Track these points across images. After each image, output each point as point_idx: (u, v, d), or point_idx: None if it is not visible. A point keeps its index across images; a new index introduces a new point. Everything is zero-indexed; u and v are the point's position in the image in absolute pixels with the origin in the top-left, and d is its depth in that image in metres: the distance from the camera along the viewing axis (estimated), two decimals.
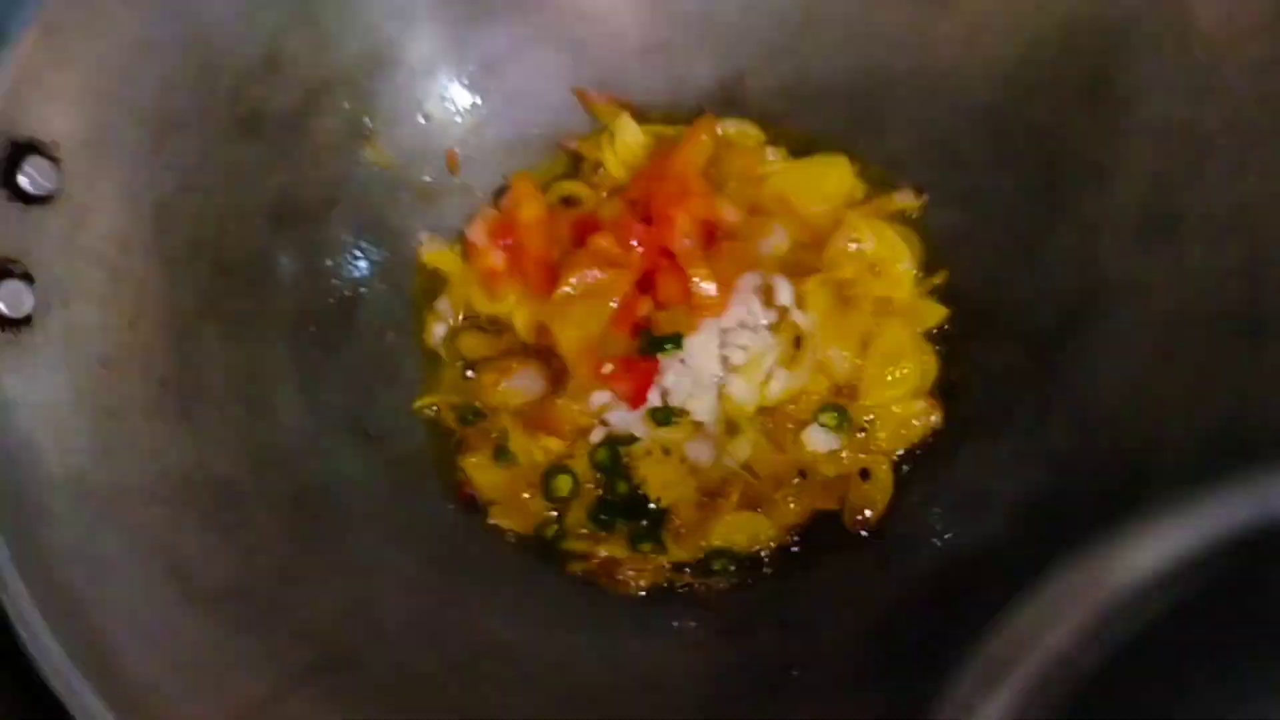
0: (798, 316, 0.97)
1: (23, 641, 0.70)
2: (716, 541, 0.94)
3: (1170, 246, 0.87)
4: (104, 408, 0.84)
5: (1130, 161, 0.91)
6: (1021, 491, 0.89)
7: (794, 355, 0.97)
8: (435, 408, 1.02)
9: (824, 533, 0.95)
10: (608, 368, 0.94)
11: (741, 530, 0.94)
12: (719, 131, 1.05)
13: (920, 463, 0.97)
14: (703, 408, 0.96)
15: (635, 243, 0.96)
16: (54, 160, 0.85)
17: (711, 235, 1.00)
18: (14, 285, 0.80)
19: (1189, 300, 0.85)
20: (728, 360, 0.96)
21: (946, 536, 0.90)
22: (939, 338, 1.00)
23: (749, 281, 0.99)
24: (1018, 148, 0.99)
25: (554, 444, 0.98)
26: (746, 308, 0.98)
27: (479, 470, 0.98)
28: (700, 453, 0.96)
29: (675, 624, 0.92)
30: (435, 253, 1.06)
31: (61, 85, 0.86)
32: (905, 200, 1.04)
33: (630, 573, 0.94)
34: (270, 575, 0.85)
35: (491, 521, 0.98)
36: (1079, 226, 0.94)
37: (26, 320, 0.80)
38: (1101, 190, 0.93)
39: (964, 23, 1.00)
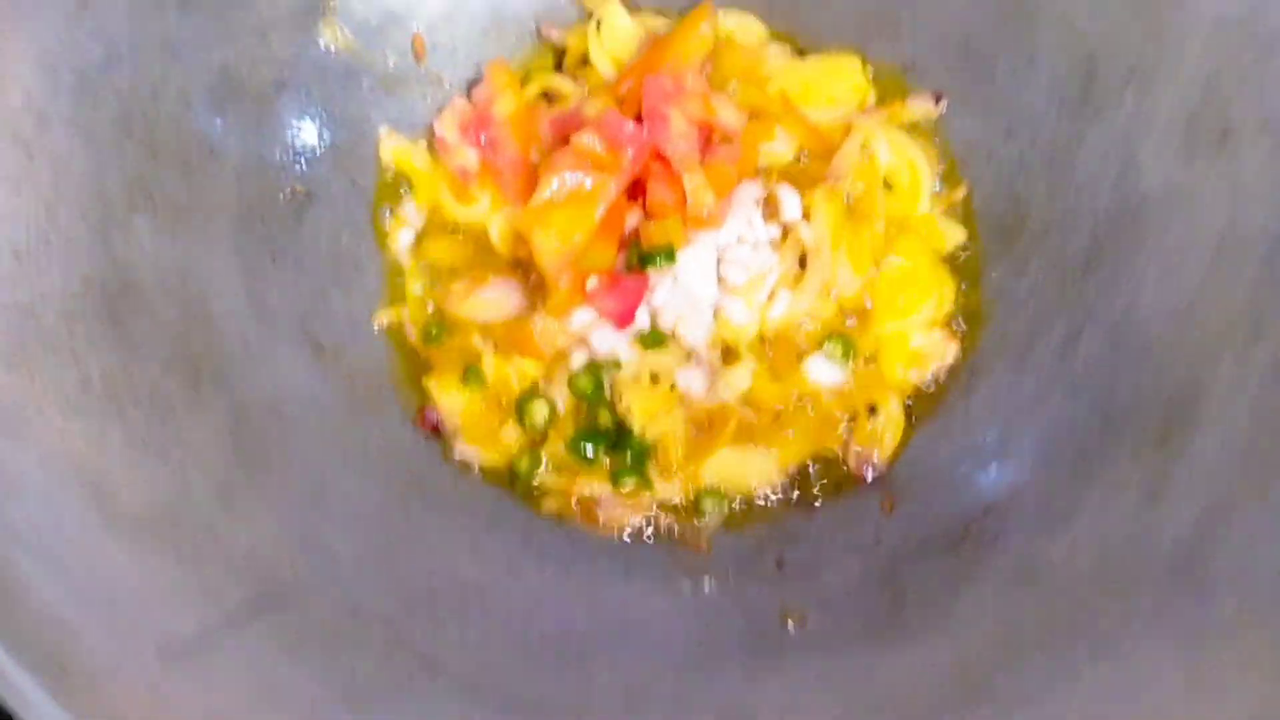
0: (804, 231, 0.87)
1: None
2: (708, 479, 0.86)
3: (1222, 157, 0.79)
4: (17, 305, 0.73)
5: (1177, 63, 0.82)
6: (1046, 430, 0.81)
7: (798, 275, 0.88)
8: (398, 321, 0.91)
9: (826, 473, 0.87)
10: (592, 282, 0.84)
11: (736, 468, 0.85)
12: (718, 24, 0.94)
13: (935, 399, 0.88)
14: (696, 331, 0.86)
15: (624, 143, 0.86)
16: None
17: (708, 139, 0.90)
18: None
19: (1243, 216, 0.77)
20: (725, 279, 0.87)
21: (962, 479, 0.82)
22: (957, 261, 0.91)
23: (749, 191, 0.89)
24: (1049, 47, 0.89)
25: (530, 366, 0.88)
26: (746, 220, 0.88)
27: (445, 393, 0.88)
28: (693, 382, 0.86)
29: (660, 568, 0.83)
30: (398, 149, 0.94)
31: None
32: (922, 107, 0.94)
33: (612, 512, 0.85)
34: (205, 499, 0.75)
35: (457, 451, 0.88)
36: (1116, 136, 0.85)
37: None
38: (1144, 95, 0.84)
39: None
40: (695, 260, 0.86)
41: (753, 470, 0.86)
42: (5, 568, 0.65)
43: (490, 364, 0.88)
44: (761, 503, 0.87)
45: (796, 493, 0.87)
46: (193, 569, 0.71)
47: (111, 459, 0.73)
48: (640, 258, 0.85)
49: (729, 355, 0.88)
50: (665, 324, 0.86)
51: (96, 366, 0.75)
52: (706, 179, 0.86)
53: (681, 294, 0.86)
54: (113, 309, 0.78)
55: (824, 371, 0.87)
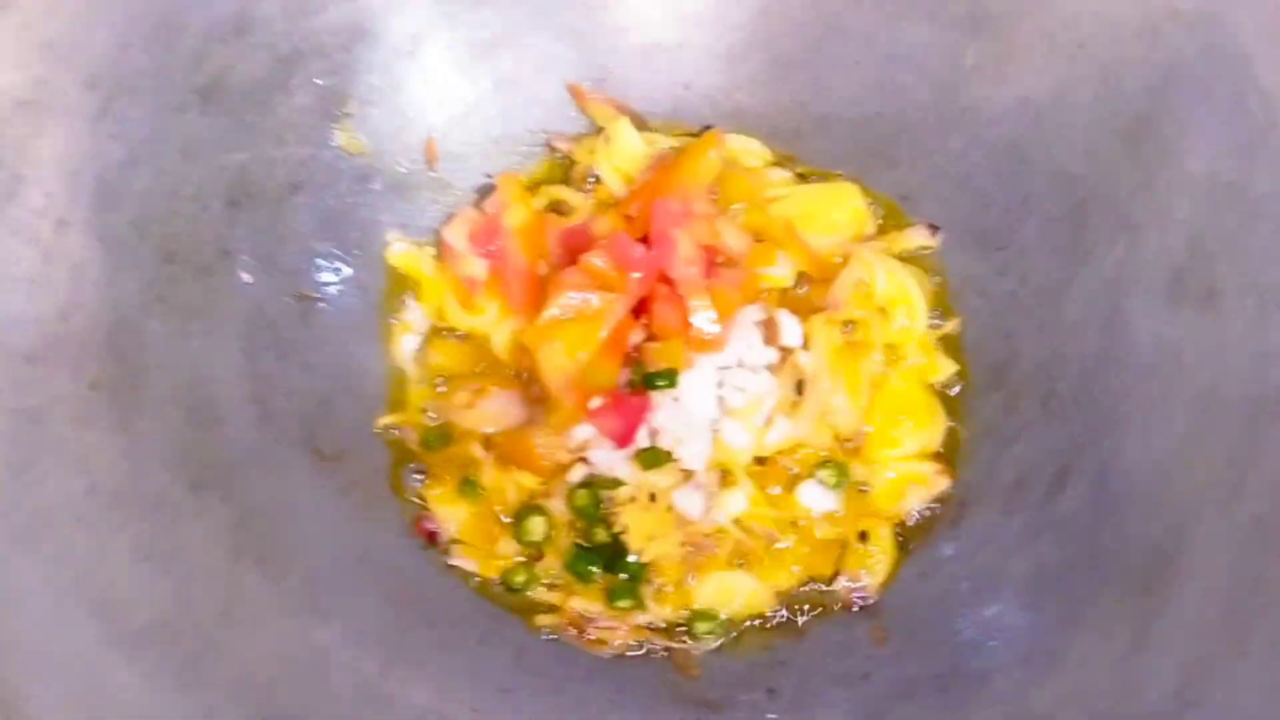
0: (802, 358, 0.90)
1: None
2: (701, 603, 0.87)
3: (1207, 316, 0.82)
4: (26, 412, 0.73)
5: (1167, 217, 0.86)
6: (1034, 570, 0.83)
7: (795, 401, 0.90)
8: (398, 429, 0.92)
9: (818, 599, 0.88)
10: (595, 402, 0.86)
11: (729, 592, 0.87)
12: (725, 147, 0.97)
13: (925, 530, 0.90)
14: (695, 453, 0.87)
15: (632, 266, 0.87)
16: None
17: (712, 261, 0.92)
18: None
19: (1226, 376, 0.80)
20: (724, 401, 0.88)
21: (952, 615, 0.84)
22: (948, 394, 0.94)
23: (750, 315, 0.91)
24: (1043, 191, 0.93)
25: (528, 480, 0.89)
26: (746, 344, 0.90)
27: (443, 503, 0.89)
28: (690, 503, 0.87)
29: (651, 692, 0.83)
30: (406, 254, 0.95)
31: (0, 34, 0.76)
32: (919, 238, 0.97)
33: (604, 631, 0.85)
34: (205, 613, 0.75)
35: (453, 563, 0.89)
36: (1105, 282, 0.88)
37: None
38: (1133, 246, 0.87)
39: (996, 51, 0.94)
40: (696, 382, 0.88)
41: (745, 594, 0.87)
42: (6, 680, 0.65)
43: (489, 475, 0.89)
44: (753, 625, 0.88)
45: (787, 617, 0.88)
46: (193, 688, 0.71)
47: (115, 570, 0.73)
48: (644, 379, 0.87)
49: (725, 477, 0.89)
50: (665, 443, 0.88)
51: (104, 474, 0.76)
52: (711, 303, 0.88)
53: (682, 415, 0.88)
54: (121, 414, 0.78)
55: (817, 497, 0.89)
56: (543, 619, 0.87)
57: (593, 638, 0.85)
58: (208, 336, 0.85)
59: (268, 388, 0.87)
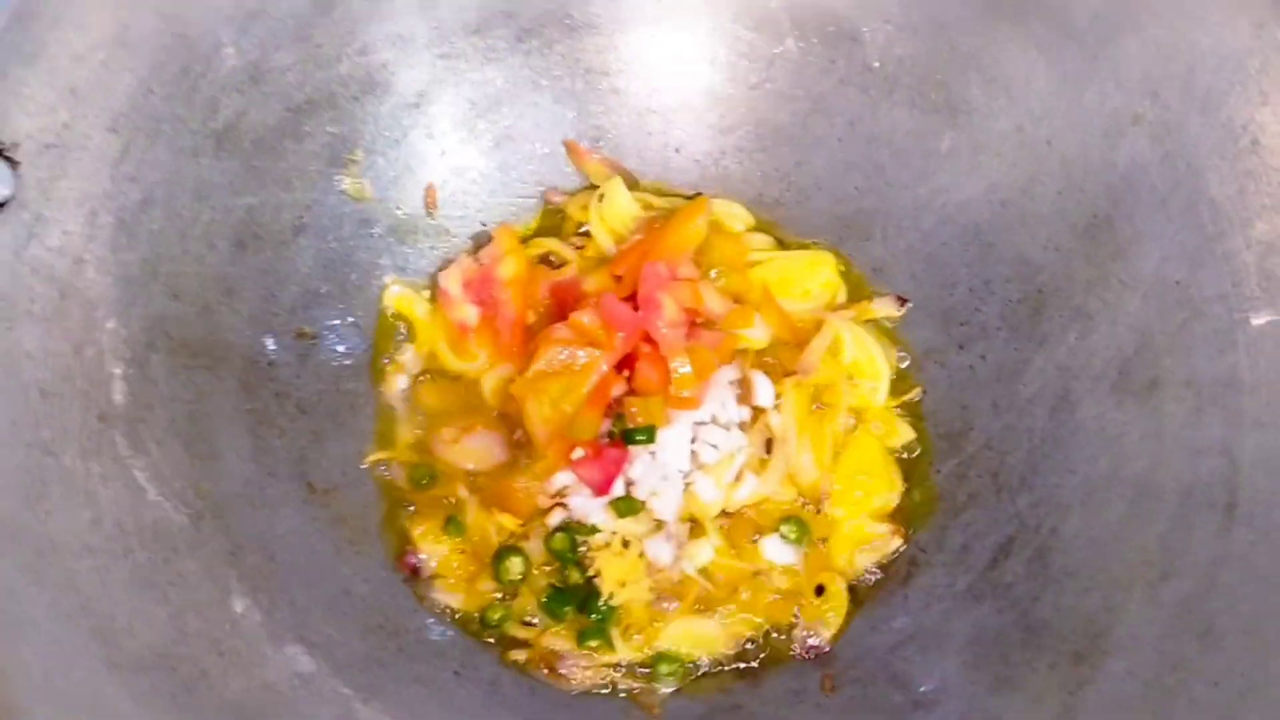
0: (773, 419, 0.95)
1: None
2: (665, 646, 0.92)
3: (1148, 407, 0.89)
4: (40, 444, 0.77)
5: (1117, 311, 0.92)
6: (975, 631, 0.89)
7: (763, 460, 0.95)
8: (386, 465, 0.96)
9: (776, 647, 0.93)
10: (578, 453, 0.91)
11: (692, 637, 0.92)
12: (711, 213, 1.02)
13: (877, 587, 0.95)
14: (667, 504, 0.92)
15: (619, 326, 0.92)
16: (11, 162, 0.78)
17: (693, 322, 0.97)
18: None
19: (1162, 466, 0.86)
20: (697, 456, 0.94)
21: (897, 669, 0.89)
22: (905, 459, 0.99)
23: (726, 375, 0.96)
24: (1006, 274, 0.99)
25: (509, 522, 0.93)
26: (721, 402, 0.95)
27: (427, 539, 0.93)
28: (661, 551, 0.92)
29: None
30: (402, 296, 1.00)
31: (29, 80, 0.79)
32: (886, 309, 1.02)
33: (573, 668, 0.90)
34: (201, 641, 0.79)
35: (435, 596, 0.93)
36: (1058, 366, 0.95)
37: None
38: (1084, 334, 0.94)
39: (971, 141, 1.00)
40: (672, 437, 0.93)
41: (706, 639, 0.92)
42: (14, 706, 0.69)
43: (472, 515, 0.94)
44: (712, 670, 0.93)
45: (745, 664, 0.93)
46: (188, 712, 0.75)
47: (116, 599, 0.77)
48: (624, 434, 0.92)
49: (695, 528, 0.95)
50: (640, 494, 0.93)
51: (108, 505, 0.79)
52: (691, 363, 0.94)
53: (657, 468, 0.93)
54: (125, 446, 0.82)
55: (779, 551, 0.94)
56: (515, 654, 0.91)
57: (563, 673, 0.90)
58: (209, 372, 0.89)
59: (265, 422, 0.91)
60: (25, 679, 0.70)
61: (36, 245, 0.80)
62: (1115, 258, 0.92)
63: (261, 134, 0.92)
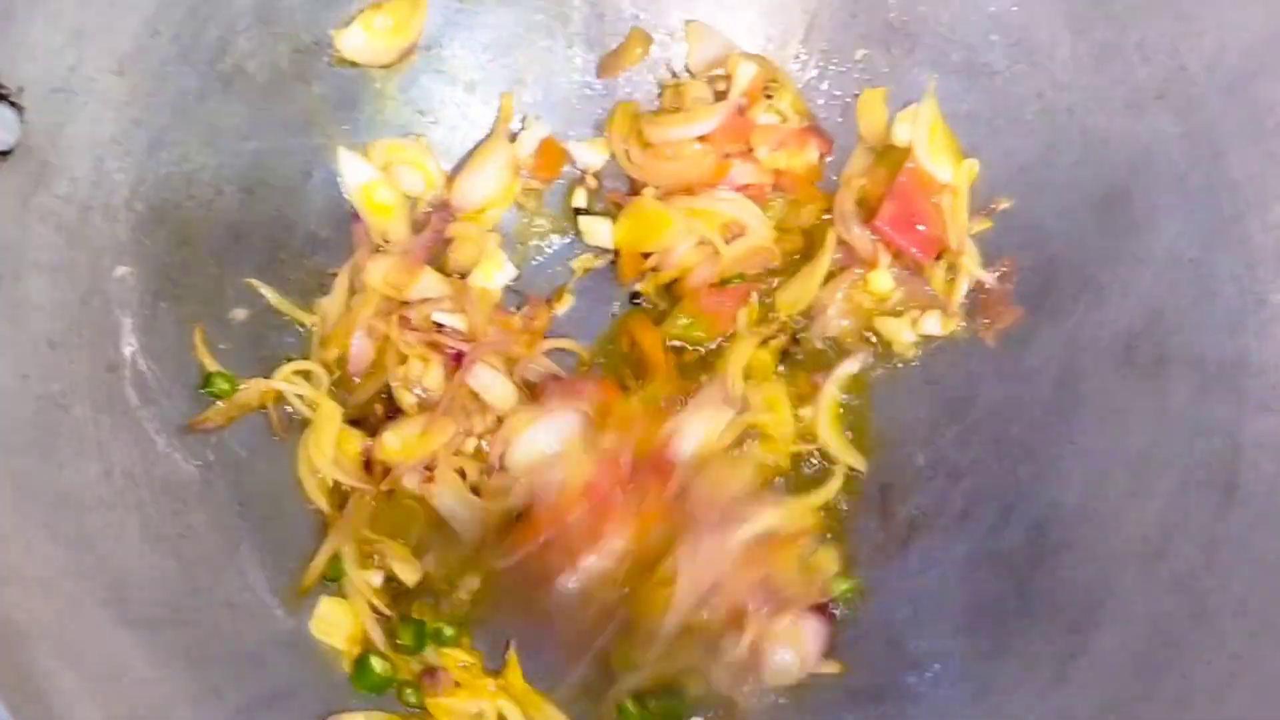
0: None
1: None
2: None
3: (1154, 384, 0.89)
4: (50, 397, 0.77)
5: (1128, 286, 0.91)
6: (973, 598, 0.91)
7: None
8: None
9: None
10: None
11: None
12: None
13: (877, 550, 0.96)
14: None
15: None
16: (17, 108, 0.76)
17: None
18: None
19: (1164, 444, 0.87)
20: None
21: (895, 631, 0.92)
22: (913, 424, 1.00)
23: None
24: (1018, 241, 0.98)
25: None
26: None
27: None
28: None
29: None
30: None
31: (34, 23, 0.76)
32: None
33: None
34: (211, 598, 0.80)
35: None
36: (1064, 338, 0.94)
37: None
38: (1094, 307, 0.93)
39: (990, 105, 0.98)
40: None
41: None
42: (28, 662, 0.70)
43: None
44: None
45: None
46: (201, 668, 0.77)
47: (129, 554, 0.78)
48: None
49: None
50: None
51: (118, 457, 0.80)
52: None
53: None
54: (133, 396, 0.82)
55: None
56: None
57: None
58: (214, 319, 0.88)
59: (270, 366, 0.91)
60: (45, 638, 0.70)
61: (44, 193, 0.77)
62: (1130, 232, 0.92)
63: (270, 77, 0.90)
